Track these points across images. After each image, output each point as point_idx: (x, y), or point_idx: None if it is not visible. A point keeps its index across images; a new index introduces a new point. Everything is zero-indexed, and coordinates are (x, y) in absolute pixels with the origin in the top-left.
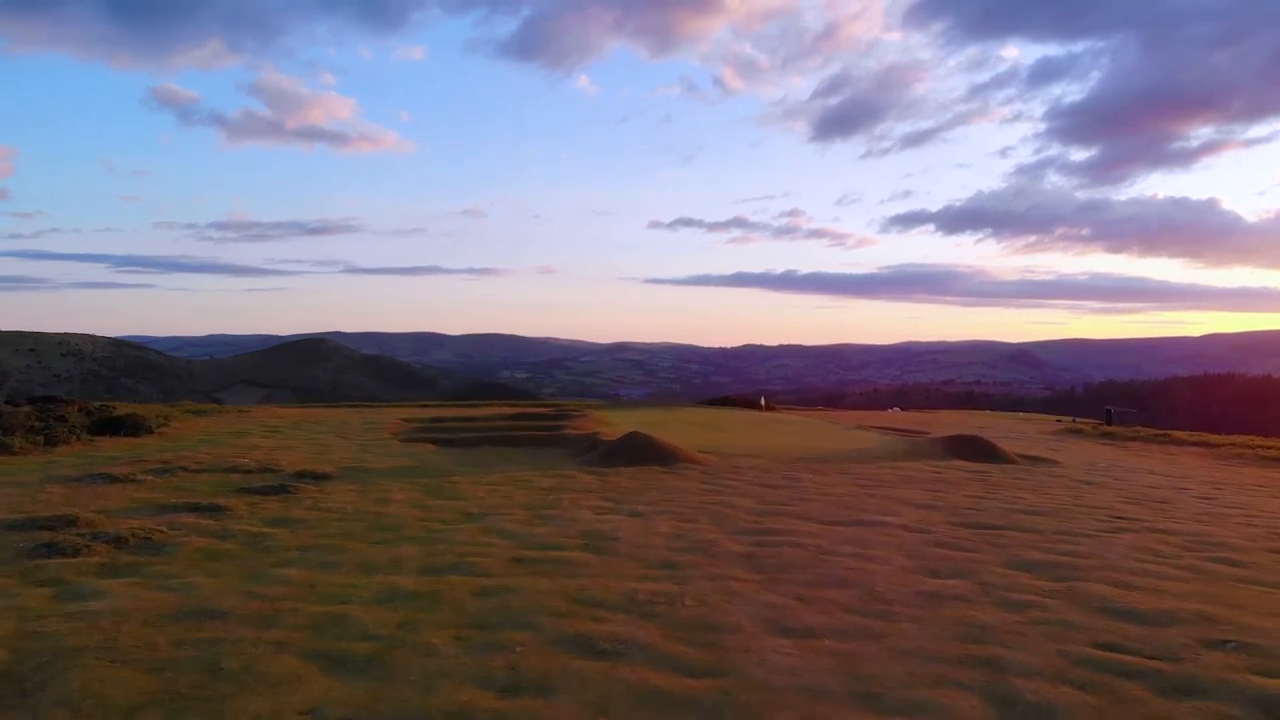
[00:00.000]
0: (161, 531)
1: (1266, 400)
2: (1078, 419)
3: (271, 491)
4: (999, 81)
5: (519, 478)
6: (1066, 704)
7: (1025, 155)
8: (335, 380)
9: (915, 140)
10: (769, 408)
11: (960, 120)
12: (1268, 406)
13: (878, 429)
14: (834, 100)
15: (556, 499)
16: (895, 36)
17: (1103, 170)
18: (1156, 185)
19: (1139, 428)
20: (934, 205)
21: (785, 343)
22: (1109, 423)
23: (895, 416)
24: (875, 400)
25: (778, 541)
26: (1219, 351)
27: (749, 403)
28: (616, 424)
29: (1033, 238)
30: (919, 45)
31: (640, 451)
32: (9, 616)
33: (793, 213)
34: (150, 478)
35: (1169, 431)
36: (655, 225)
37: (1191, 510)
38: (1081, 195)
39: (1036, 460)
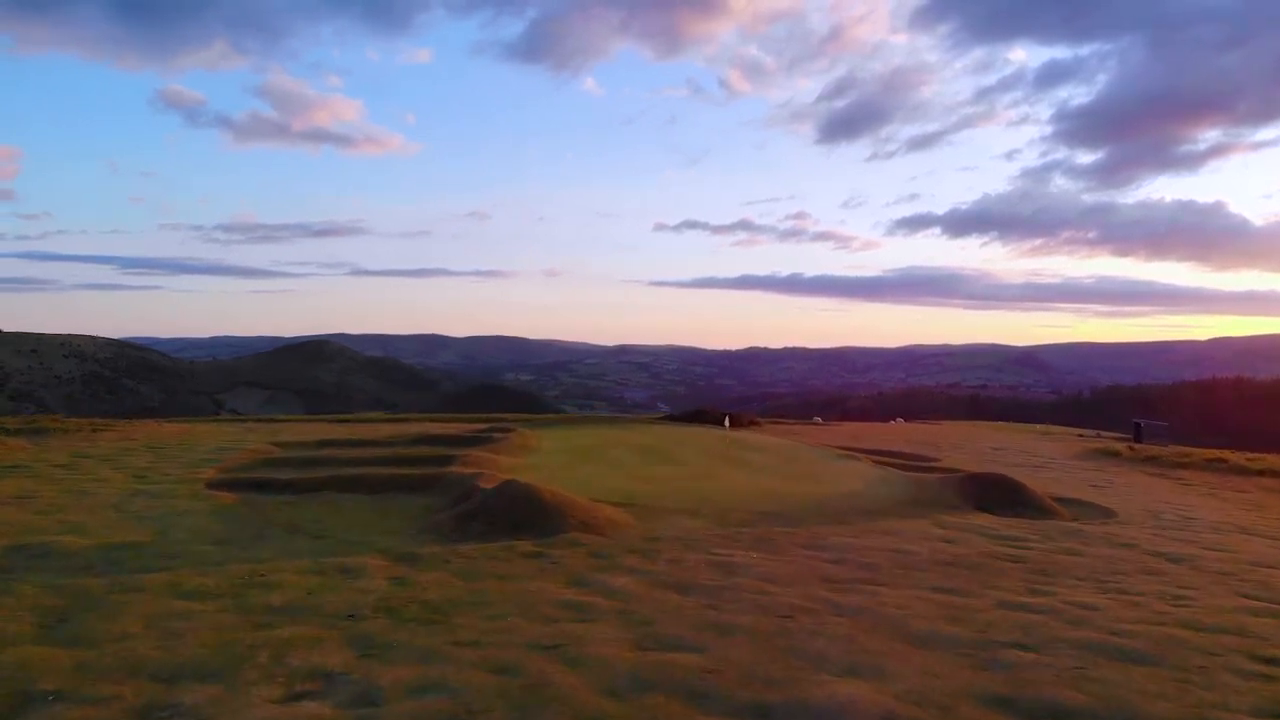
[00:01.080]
0: None
1: (1276, 405)
2: (1102, 433)
3: None
4: (1005, 84)
5: (264, 575)
6: None
7: (1031, 158)
8: (339, 382)
9: (921, 143)
10: (750, 422)
11: (966, 123)
12: (1278, 412)
13: (873, 456)
14: (840, 103)
15: (254, 642)
16: (901, 39)
17: (1109, 173)
18: (1163, 188)
19: (1189, 450)
20: (940, 208)
21: (790, 345)
22: (1138, 439)
23: (897, 430)
24: (880, 404)
25: None
26: (1226, 355)
27: (726, 419)
28: (540, 452)
29: (1039, 241)
30: (925, 48)
31: (513, 512)
32: None
33: (798, 215)
34: None
35: (1223, 455)
36: (660, 228)
37: None
38: (1088, 198)
39: (1081, 507)
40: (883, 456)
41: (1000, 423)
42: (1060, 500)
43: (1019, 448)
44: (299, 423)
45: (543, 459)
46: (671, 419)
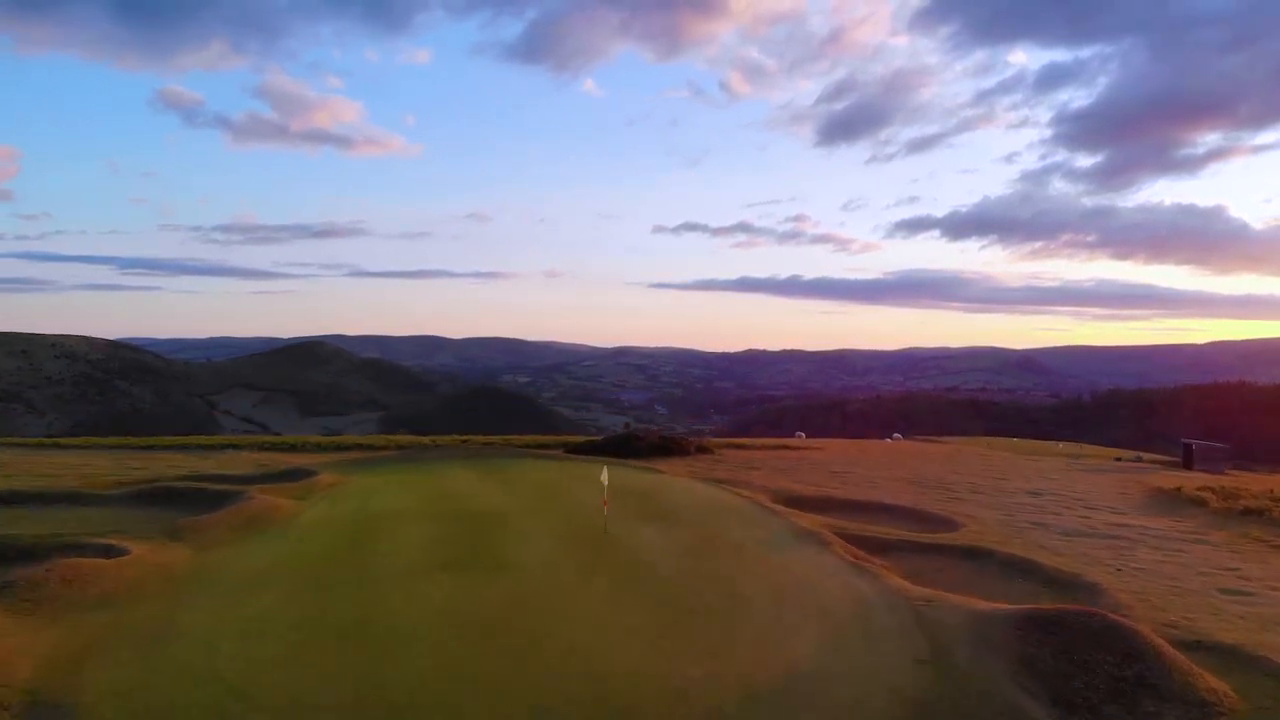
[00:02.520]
0: None
1: (1278, 412)
2: (1143, 455)
3: None
4: (1005, 87)
5: None
6: None
7: (1031, 161)
8: (334, 384)
9: (921, 146)
10: (697, 448)
11: (966, 126)
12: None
13: (855, 522)
14: (839, 105)
15: None
16: (902, 41)
17: (1109, 176)
18: (1163, 192)
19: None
20: (939, 211)
21: (789, 348)
22: (1188, 464)
23: (895, 453)
24: (878, 408)
25: None
26: (1225, 359)
27: (669, 445)
28: (278, 529)
29: (1038, 244)
30: (925, 50)
31: None
32: None
33: (798, 218)
34: None
35: None
36: (660, 229)
37: None
38: (1088, 201)
39: (1249, 674)
40: (870, 521)
41: (1015, 439)
42: (1203, 647)
43: (1060, 488)
44: (71, 450)
45: (245, 556)
46: (592, 449)
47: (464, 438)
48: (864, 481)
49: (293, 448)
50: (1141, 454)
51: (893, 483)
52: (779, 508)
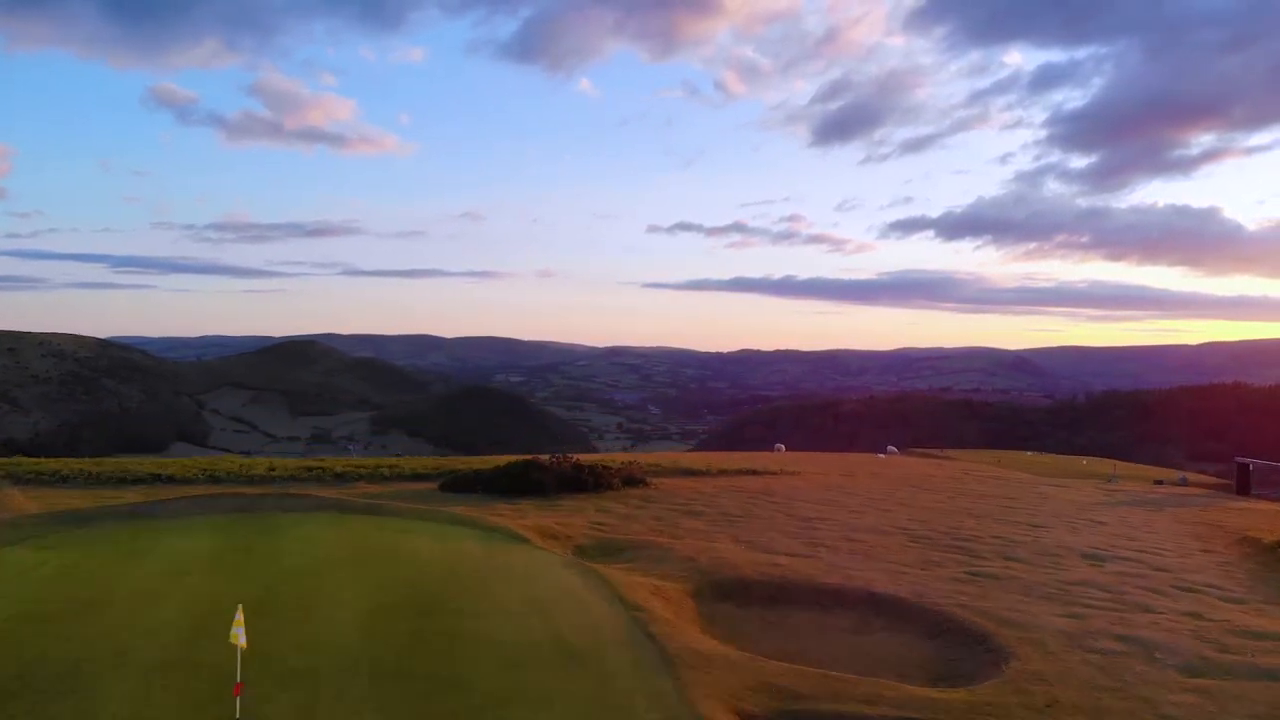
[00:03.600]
0: None
1: (1275, 414)
2: (1187, 477)
3: None
4: (1000, 87)
5: None
6: None
7: (1025, 162)
8: (324, 383)
9: (915, 146)
10: (623, 478)
11: (961, 126)
12: (1277, 419)
13: (800, 681)
14: (834, 105)
15: None
16: (897, 41)
17: (1103, 177)
18: (1157, 193)
19: None
20: (934, 211)
21: (783, 348)
22: (1244, 488)
23: (890, 475)
24: (872, 409)
25: None
26: (1218, 360)
27: (584, 478)
28: None
29: (1032, 245)
30: (920, 50)
31: None
32: None
33: (792, 218)
34: None
35: None
36: (654, 229)
37: None
38: (1082, 202)
39: None
40: (848, 637)
41: (1028, 453)
42: None
43: (1121, 543)
44: None
45: None
46: (476, 482)
47: (347, 463)
48: (845, 537)
49: (62, 480)
50: (1185, 476)
51: (888, 537)
52: (687, 634)
